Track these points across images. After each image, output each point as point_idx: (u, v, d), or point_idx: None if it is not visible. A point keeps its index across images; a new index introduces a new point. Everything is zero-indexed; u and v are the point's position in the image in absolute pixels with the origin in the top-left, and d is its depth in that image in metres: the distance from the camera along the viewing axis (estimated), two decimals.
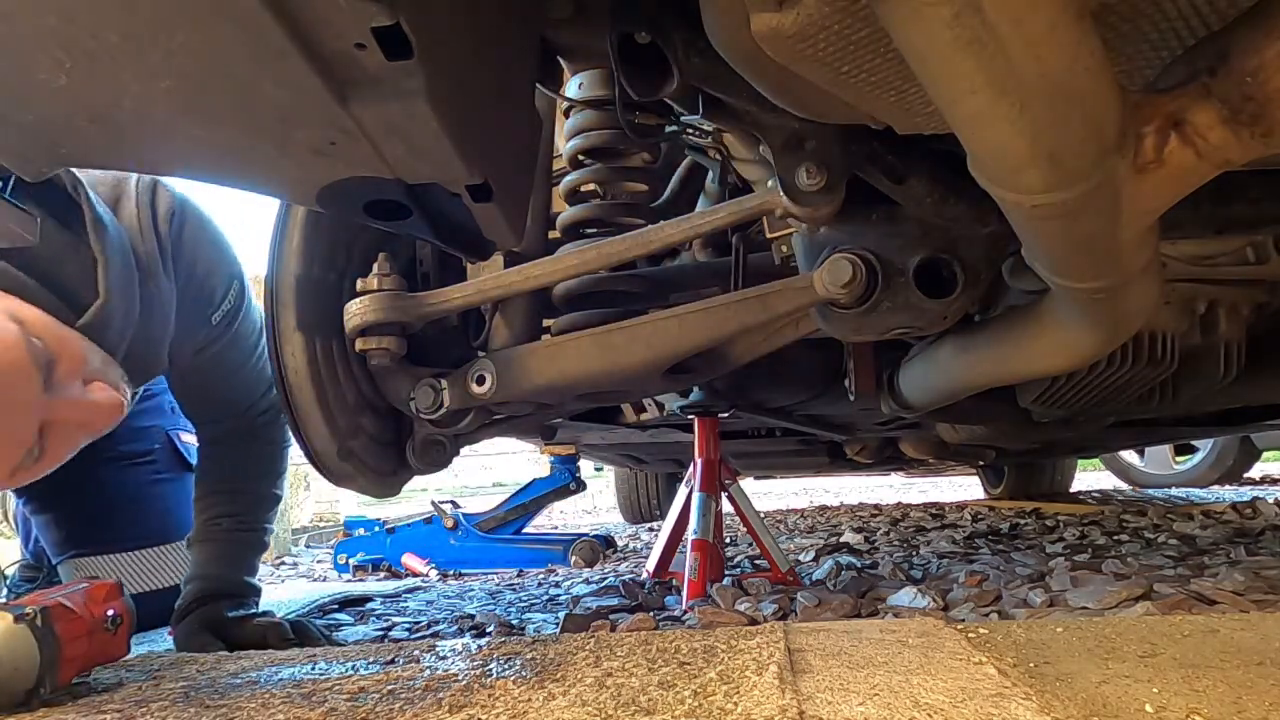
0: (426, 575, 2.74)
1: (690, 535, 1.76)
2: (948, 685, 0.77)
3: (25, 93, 0.55)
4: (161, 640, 1.54)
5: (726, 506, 1.93)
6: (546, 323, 1.26)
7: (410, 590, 2.25)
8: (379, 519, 3.12)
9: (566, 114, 1.17)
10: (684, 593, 1.62)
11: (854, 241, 1.01)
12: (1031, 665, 0.85)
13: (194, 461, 1.82)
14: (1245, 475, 4.71)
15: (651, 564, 1.94)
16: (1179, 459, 4.73)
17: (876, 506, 4.50)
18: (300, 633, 1.40)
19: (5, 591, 2.16)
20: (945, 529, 2.87)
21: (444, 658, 1.03)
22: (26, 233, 0.96)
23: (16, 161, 0.63)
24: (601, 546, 2.83)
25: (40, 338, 0.94)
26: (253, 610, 1.45)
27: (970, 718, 0.69)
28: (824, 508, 4.83)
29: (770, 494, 7.64)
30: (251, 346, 1.47)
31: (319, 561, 3.45)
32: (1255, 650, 0.87)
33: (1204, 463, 4.58)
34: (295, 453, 1.37)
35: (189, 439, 1.87)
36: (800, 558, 2.29)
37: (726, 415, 1.94)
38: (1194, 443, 4.55)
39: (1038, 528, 2.70)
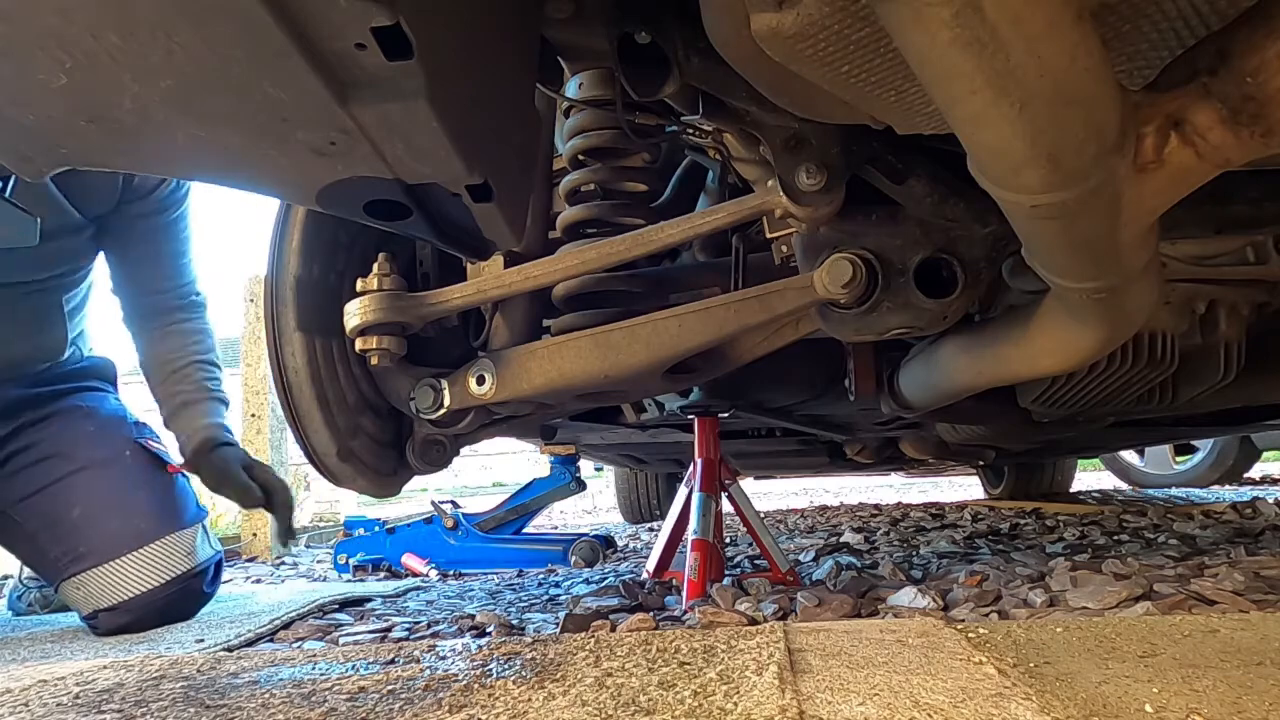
0: (426, 575, 2.74)
1: (690, 535, 1.76)
2: (948, 685, 0.77)
3: (25, 93, 0.55)
4: (161, 643, 1.54)
5: (726, 506, 1.92)
6: (547, 323, 1.26)
7: (410, 590, 2.25)
8: (379, 519, 3.11)
9: (566, 114, 1.17)
10: (684, 593, 1.62)
11: (854, 241, 1.01)
12: (1031, 665, 0.85)
13: (168, 460, 1.86)
14: (1245, 475, 4.71)
15: (651, 564, 1.94)
16: (1179, 459, 4.73)
17: (876, 506, 4.50)
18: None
19: (13, 594, 2.16)
20: (945, 529, 2.87)
21: (444, 658, 1.03)
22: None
23: (17, 161, 0.63)
24: (601, 546, 2.82)
25: None
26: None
27: (970, 718, 0.69)
28: (824, 508, 4.82)
29: (770, 494, 7.64)
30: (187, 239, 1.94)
31: (319, 561, 3.44)
32: (1255, 650, 0.87)
33: (1204, 463, 4.58)
34: (295, 453, 1.38)
35: (156, 445, 1.88)
36: (800, 558, 2.29)
37: (726, 415, 1.94)
38: (1194, 443, 4.55)
39: (1038, 528, 2.70)
